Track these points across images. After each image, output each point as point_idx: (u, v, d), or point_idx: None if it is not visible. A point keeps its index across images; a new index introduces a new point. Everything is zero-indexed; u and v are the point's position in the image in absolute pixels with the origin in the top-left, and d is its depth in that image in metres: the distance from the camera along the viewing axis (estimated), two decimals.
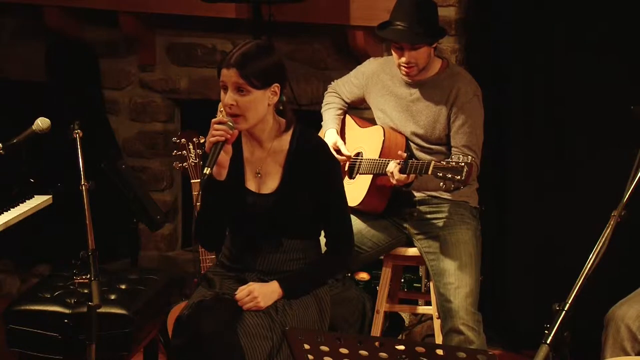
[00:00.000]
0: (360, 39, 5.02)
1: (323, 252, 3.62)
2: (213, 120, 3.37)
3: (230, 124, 3.33)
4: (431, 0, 4.23)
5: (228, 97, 3.34)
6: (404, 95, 4.25)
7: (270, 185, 3.49)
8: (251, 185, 3.51)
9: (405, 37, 4.09)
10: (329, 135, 4.35)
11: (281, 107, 3.48)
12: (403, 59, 4.12)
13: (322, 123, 4.45)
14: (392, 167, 3.98)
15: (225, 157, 3.35)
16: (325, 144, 3.65)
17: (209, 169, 3.28)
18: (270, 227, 3.47)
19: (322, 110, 4.49)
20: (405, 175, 3.94)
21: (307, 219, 3.50)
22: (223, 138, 3.32)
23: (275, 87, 3.38)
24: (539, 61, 4.94)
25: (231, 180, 3.43)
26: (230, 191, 3.44)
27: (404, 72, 4.17)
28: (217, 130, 3.32)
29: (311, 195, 3.46)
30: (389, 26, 4.16)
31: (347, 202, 3.62)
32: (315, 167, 3.47)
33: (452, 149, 4.16)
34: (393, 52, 4.18)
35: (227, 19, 5.23)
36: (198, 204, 4.11)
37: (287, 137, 3.49)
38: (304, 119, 3.69)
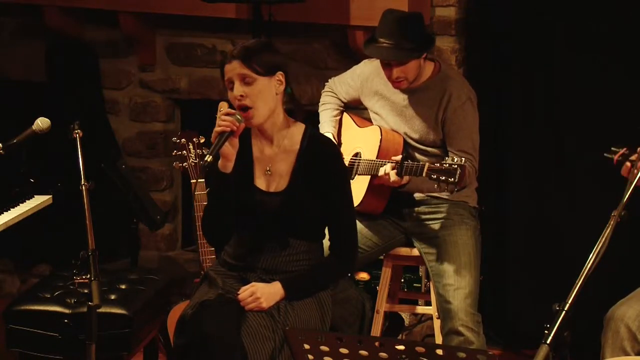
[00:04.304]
0: (360, 39, 5.01)
1: (326, 254, 3.62)
2: (222, 111, 3.38)
3: (239, 117, 3.35)
4: (415, 13, 4.21)
5: (236, 90, 3.38)
6: (397, 100, 4.24)
7: (280, 184, 3.50)
8: (260, 183, 3.51)
9: (392, 55, 4.06)
10: None
11: (288, 102, 3.50)
12: (392, 76, 4.11)
13: (319, 125, 4.44)
14: (388, 169, 3.98)
15: (230, 149, 3.37)
16: (337, 147, 3.67)
17: (210, 156, 3.30)
18: (277, 226, 3.47)
19: (319, 110, 4.49)
20: (398, 178, 3.94)
21: (314, 220, 3.51)
22: (229, 129, 3.33)
23: (280, 74, 3.41)
24: (539, 61, 4.94)
25: (240, 177, 3.44)
26: (238, 189, 3.45)
27: (394, 86, 4.16)
28: (224, 120, 3.34)
29: (319, 197, 3.47)
30: (374, 42, 4.13)
31: (353, 207, 3.62)
32: (326, 170, 3.48)
33: (449, 152, 4.15)
34: (382, 68, 4.16)
35: (227, 19, 5.23)
36: (199, 203, 4.12)
37: (297, 136, 3.50)
38: (303, 119, 3.69)
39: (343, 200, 3.53)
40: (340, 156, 3.62)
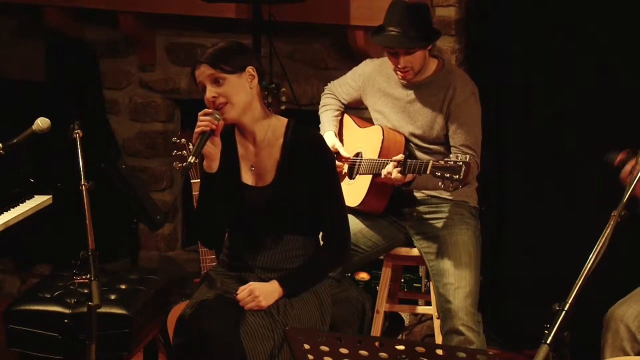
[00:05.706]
0: (360, 39, 5.02)
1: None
2: (200, 112, 3.40)
3: (217, 115, 3.37)
4: (423, 3, 4.22)
5: (209, 92, 3.41)
6: (400, 96, 4.25)
7: (266, 178, 3.51)
8: (247, 179, 3.52)
9: (400, 43, 4.08)
10: (327, 138, 4.34)
11: (269, 98, 3.53)
12: (399, 64, 4.12)
13: (320, 125, 4.45)
14: (390, 168, 3.98)
15: (213, 149, 3.39)
16: (321, 137, 3.67)
17: (193, 157, 3.32)
18: (268, 220, 3.48)
19: (319, 112, 4.50)
20: (402, 176, 3.94)
21: (306, 212, 3.51)
22: (208, 128, 3.36)
23: (250, 69, 3.43)
24: (539, 61, 4.94)
25: (227, 176, 3.46)
26: (227, 188, 3.46)
27: (400, 76, 4.17)
28: (202, 121, 3.37)
29: (307, 188, 3.47)
30: (382, 32, 4.15)
31: (342, 195, 3.61)
32: (311, 159, 3.49)
33: (452, 148, 4.16)
34: (388, 58, 4.17)
35: (227, 19, 5.23)
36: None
37: (281, 129, 3.51)
38: (304, 119, 3.70)
39: (330, 189, 3.54)
40: (325, 146, 3.62)
